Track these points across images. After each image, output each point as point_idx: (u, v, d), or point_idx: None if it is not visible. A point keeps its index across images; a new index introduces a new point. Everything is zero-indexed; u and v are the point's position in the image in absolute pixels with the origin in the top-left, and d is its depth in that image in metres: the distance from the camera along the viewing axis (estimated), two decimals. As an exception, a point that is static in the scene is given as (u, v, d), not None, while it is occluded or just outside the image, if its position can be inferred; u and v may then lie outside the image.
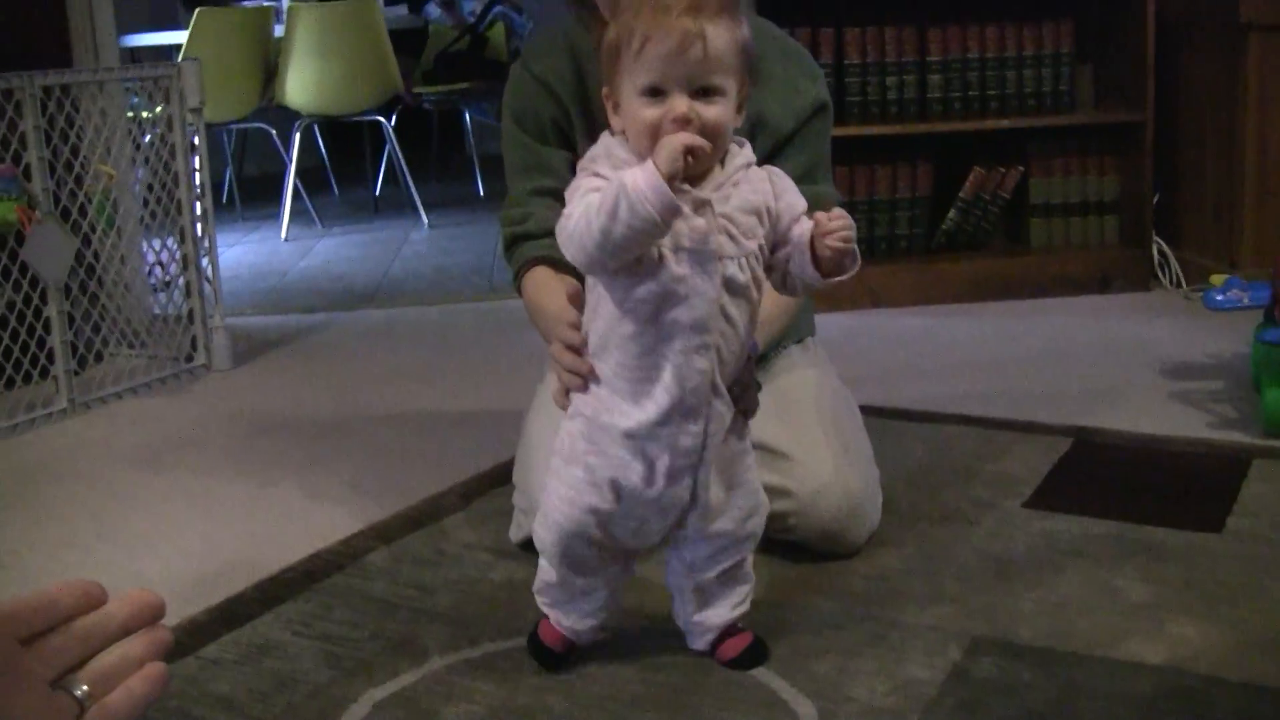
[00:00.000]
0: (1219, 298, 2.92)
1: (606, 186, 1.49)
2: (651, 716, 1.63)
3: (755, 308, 1.64)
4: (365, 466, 2.71)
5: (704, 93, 1.53)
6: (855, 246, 1.59)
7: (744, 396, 1.67)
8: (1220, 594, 1.91)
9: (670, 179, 1.46)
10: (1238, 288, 2.93)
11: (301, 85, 5.82)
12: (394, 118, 6.31)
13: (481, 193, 6.80)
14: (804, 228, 1.62)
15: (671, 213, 1.47)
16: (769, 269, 1.66)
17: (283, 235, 5.84)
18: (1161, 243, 4.12)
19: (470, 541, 2.23)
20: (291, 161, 5.90)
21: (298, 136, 5.88)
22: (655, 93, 1.53)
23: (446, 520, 2.33)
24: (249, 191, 6.85)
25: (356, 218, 6.40)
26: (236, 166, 6.85)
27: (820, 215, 1.59)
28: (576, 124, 2.19)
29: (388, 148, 6.31)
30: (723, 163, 1.60)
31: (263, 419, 3.13)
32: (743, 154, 1.63)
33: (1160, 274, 4.10)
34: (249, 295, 4.65)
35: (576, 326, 1.99)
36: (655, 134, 1.52)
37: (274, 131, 6.13)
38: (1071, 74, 4.13)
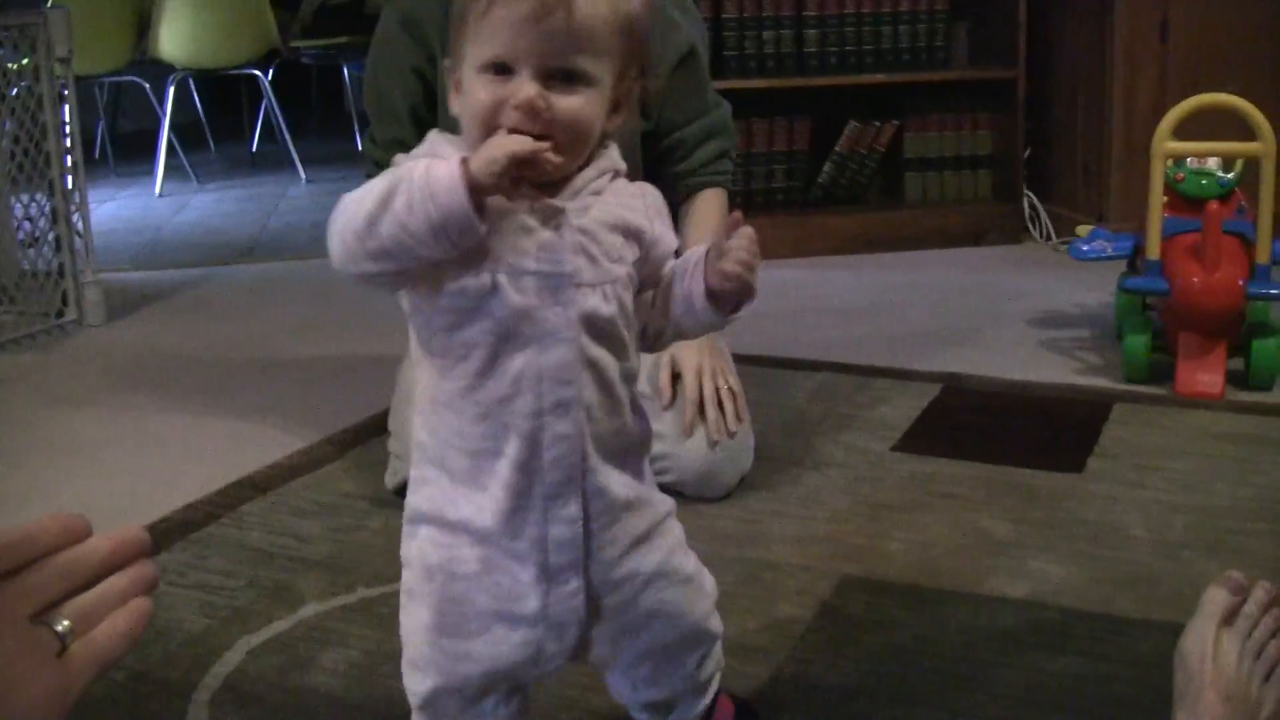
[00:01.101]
0: (1084, 248, 2.98)
1: (400, 169, 1.18)
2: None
3: (627, 351, 1.27)
4: (242, 419, 2.69)
5: (565, 78, 1.19)
6: (754, 275, 1.28)
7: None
8: (1080, 532, 1.97)
9: (479, 188, 1.13)
10: (1103, 239, 2.99)
11: (175, 37, 5.72)
12: (271, 72, 6.22)
13: (360, 147, 6.71)
14: (686, 261, 1.31)
15: (461, 230, 1.13)
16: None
17: (157, 190, 5.75)
18: (1033, 197, 4.21)
19: (348, 490, 2.23)
20: (165, 116, 5.80)
21: (171, 90, 5.77)
22: (501, 69, 1.19)
23: (324, 469, 2.33)
24: (124, 147, 6.71)
25: (233, 174, 6.31)
26: (109, 121, 6.71)
27: (717, 230, 1.29)
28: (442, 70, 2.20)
29: (265, 103, 6.23)
30: (583, 166, 1.26)
31: (137, 373, 3.09)
32: (608, 158, 1.28)
33: (1031, 227, 4.19)
34: (123, 251, 4.57)
35: None
36: (491, 122, 1.19)
37: (148, 85, 6.02)
38: (947, 31, 4.19)
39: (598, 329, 1.23)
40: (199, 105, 6.83)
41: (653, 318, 1.33)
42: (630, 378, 1.29)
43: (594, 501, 1.25)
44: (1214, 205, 2.62)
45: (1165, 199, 2.73)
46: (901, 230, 4.12)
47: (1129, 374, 2.68)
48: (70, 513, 0.85)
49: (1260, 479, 2.16)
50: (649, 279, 1.31)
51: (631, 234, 1.28)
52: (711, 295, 1.28)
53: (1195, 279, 2.58)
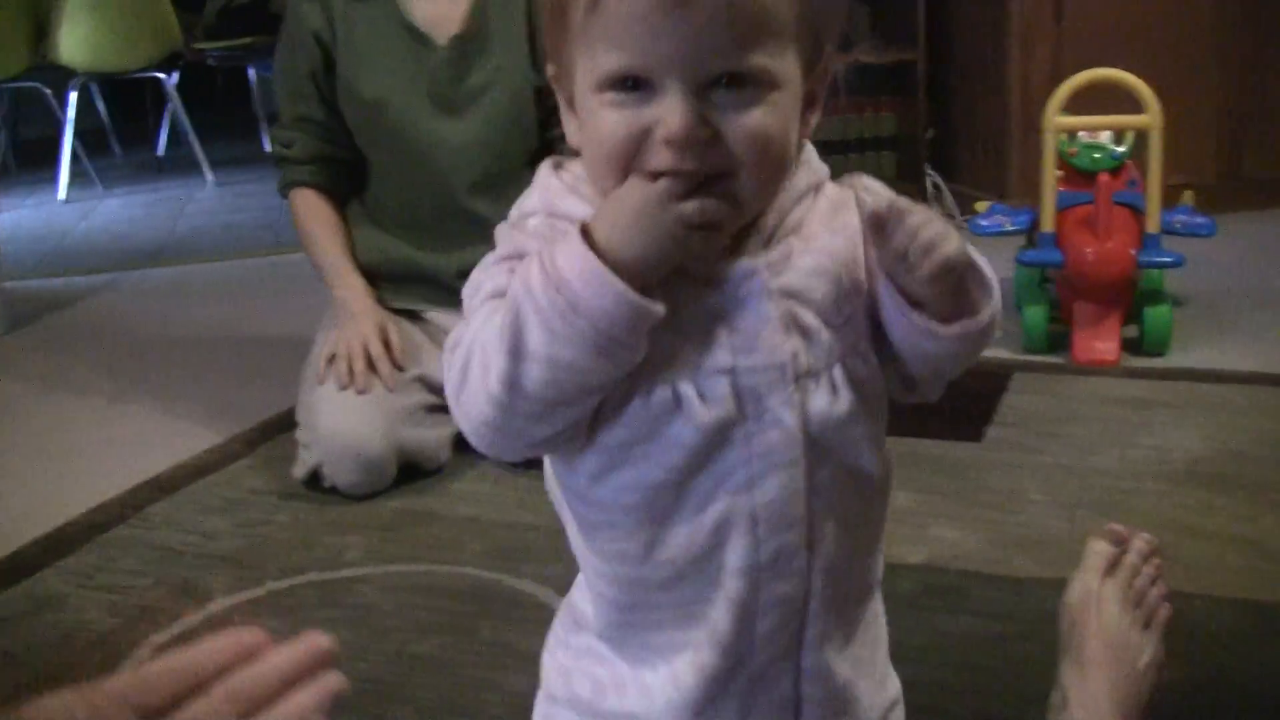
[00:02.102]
0: (983, 224, 3.04)
1: (511, 288, 0.85)
2: (437, 642, 1.67)
3: (876, 451, 0.95)
4: (151, 421, 2.68)
5: (734, 84, 0.84)
6: (961, 248, 0.89)
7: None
8: (979, 498, 2.01)
9: (642, 272, 0.83)
10: (1001, 213, 3.05)
11: (74, 41, 5.64)
12: (176, 75, 6.16)
13: (268, 149, 6.67)
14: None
15: (633, 328, 0.83)
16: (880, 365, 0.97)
17: (61, 196, 5.68)
18: (936, 176, 4.27)
19: (256, 486, 2.23)
20: (68, 121, 5.72)
21: (73, 96, 5.70)
22: (633, 84, 0.85)
23: (232, 467, 2.32)
24: (27, 155, 6.62)
25: (139, 178, 6.24)
26: (10, 128, 6.61)
27: (866, 213, 0.90)
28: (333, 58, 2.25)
29: (170, 106, 6.17)
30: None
31: (44, 379, 3.07)
32: (805, 170, 0.94)
33: (935, 205, 4.25)
34: (27, 259, 4.52)
35: (384, 334, 2.17)
36: (627, 164, 0.86)
37: (49, 91, 5.94)
38: (849, 15, 4.23)
39: (831, 435, 0.91)
40: (103, 109, 6.75)
41: (891, 353, 0.96)
42: (884, 491, 0.98)
43: (810, 686, 0.96)
44: (1105, 177, 2.67)
45: (1060, 173, 2.79)
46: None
47: (1028, 344, 2.73)
48: (245, 629, 0.79)
49: (1152, 440, 2.21)
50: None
51: (854, 270, 0.93)
52: (921, 306, 0.91)
53: (1088, 250, 2.63)
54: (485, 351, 0.85)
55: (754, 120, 0.84)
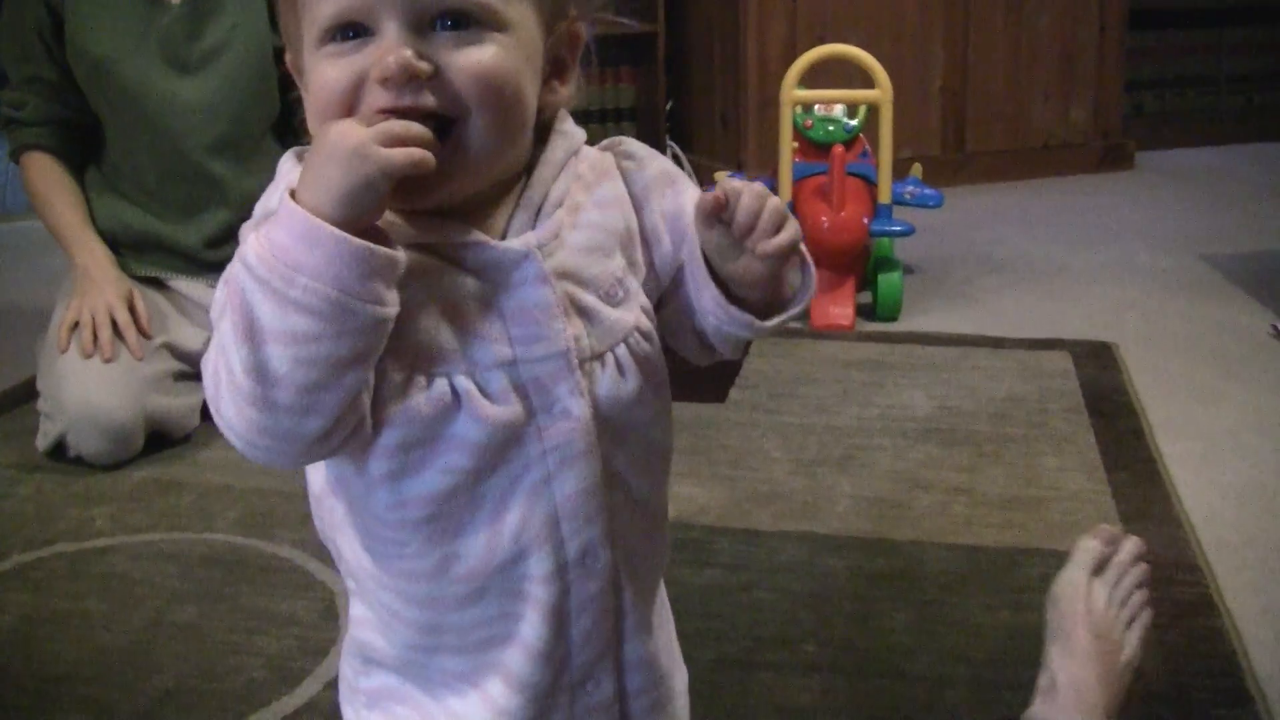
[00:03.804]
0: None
1: (231, 271, 0.79)
2: (192, 609, 1.66)
3: (668, 428, 0.94)
4: (-127, 393, 2.56)
5: (454, 21, 0.81)
6: (800, 245, 0.91)
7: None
8: (722, 457, 2.09)
9: (356, 217, 0.76)
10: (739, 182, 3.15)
11: None
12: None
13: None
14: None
15: (363, 276, 0.75)
16: (670, 318, 0.96)
17: None
18: (676, 147, 4.36)
19: (-6, 458, 2.17)
20: None
21: None
22: (350, 32, 0.82)
23: (-33, 440, 2.25)
24: None
25: None
26: None
27: (708, 198, 0.87)
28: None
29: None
30: (530, 166, 0.89)
31: None
32: (564, 139, 0.91)
33: (676, 177, 4.34)
34: None
35: (130, 302, 2.13)
36: (349, 112, 0.81)
37: None
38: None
39: (622, 417, 0.88)
40: None
41: (693, 326, 0.95)
42: (667, 467, 0.96)
43: (634, 679, 0.94)
44: (839, 149, 2.78)
45: (796, 145, 2.89)
46: (552, 183, 4.20)
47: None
48: None
49: (884, 399, 2.33)
50: (671, 279, 0.94)
51: (628, 243, 0.91)
52: (740, 301, 0.90)
53: (824, 219, 2.74)
54: (225, 351, 0.77)
55: (478, 57, 0.80)
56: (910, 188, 3.11)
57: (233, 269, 0.77)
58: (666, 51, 4.26)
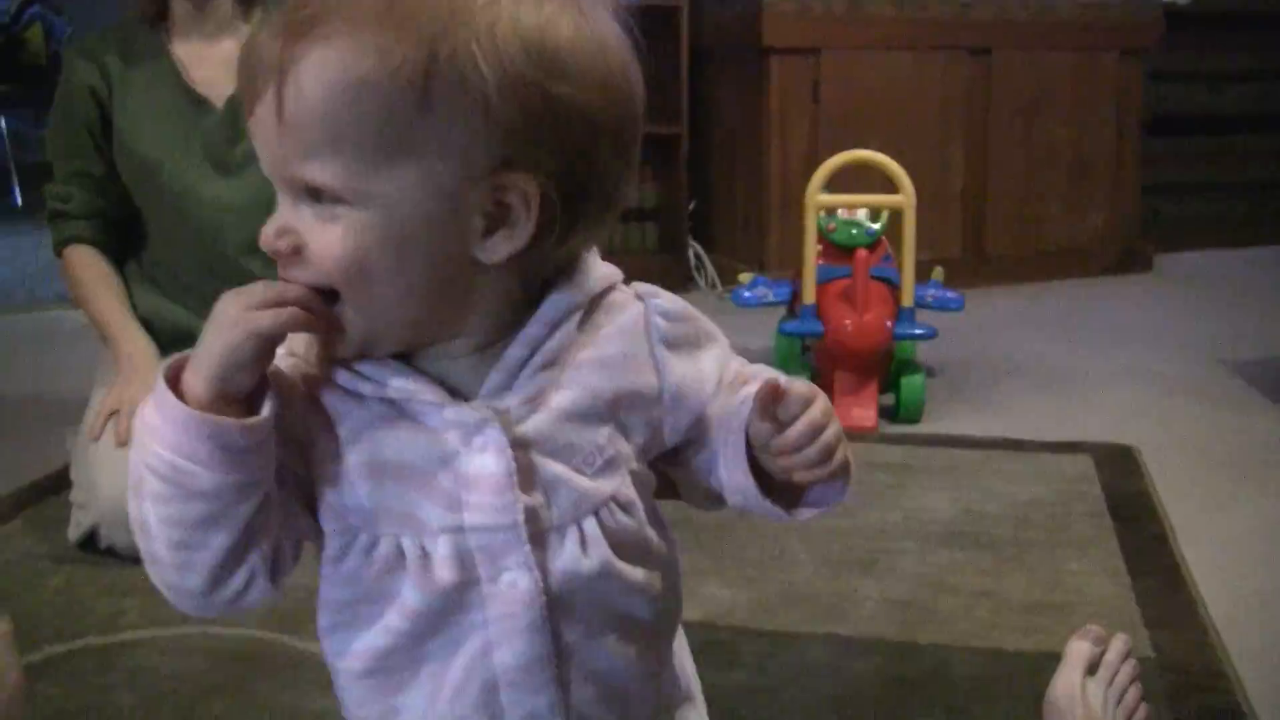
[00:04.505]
0: (746, 295, 3.16)
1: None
2: (221, 704, 1.67)
3: (655, 589, 0.90)
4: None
5: (310, 194, 0.80)
6: (845, 454, 0.89)
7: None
8: (747, 558, 2.10)
9: (230, 379, 0.79)
10: (763, 285, 3.18)
11: None
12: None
13: (19, 203, 6.47)
14: (738, 414, 0.89)
15: (207, 442, 0.78)
16: (677, 469, 0.95)
17: None
18: (698, 247, 4.41)
19: (26, 549, 2.18)
20: None
21: None
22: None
23: (1, 529, 2.27)
24: None
25: (-120, 230, 5.99)
26: None
27: (766, 392, 0.86)
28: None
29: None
30: (524, 319, 0.85)
31: None
32: (575, 287, 0.87)
33: (697, 276, 4.39)
34: None
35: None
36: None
37: None
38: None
39: (579, 593, 0.86)
40: None
41: (712, 482, 0.94)
42: (666, 617, 0.93)
43: None
44: (862, 253, 2.82)
45: (819, 248, 2.93)
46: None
47: (790, 412, 2.85)
48: None
49: (908, 502, 2.34)
50: (693, 438, 0.93)
51: (633, 405, 0.88)
52: (774, 489, 0.90)
53: (847, 321, 2.77)
54: (133, 501, 0.82)
55: (329, 236, 0.79)
56: (932, 291, 3.14)
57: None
58: (689, 152, 4.32)
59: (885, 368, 2.90)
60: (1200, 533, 2.19)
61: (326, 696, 1.67)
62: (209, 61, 2.27)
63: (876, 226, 2.98)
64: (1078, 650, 1.40)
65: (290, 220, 0.81)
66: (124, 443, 2.11)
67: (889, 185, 2.87)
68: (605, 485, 0.86)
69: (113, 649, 1.82)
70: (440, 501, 0.83)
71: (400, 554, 0.83)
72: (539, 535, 0.84)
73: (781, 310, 3.20)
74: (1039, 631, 1.83)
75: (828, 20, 4.09)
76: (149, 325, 2.29)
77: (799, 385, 0.87)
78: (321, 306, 0.81)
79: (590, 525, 0.85)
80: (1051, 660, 1.72)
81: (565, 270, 0.87)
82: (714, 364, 0.93)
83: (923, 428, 2.82)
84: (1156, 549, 2.10)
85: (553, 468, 0.84)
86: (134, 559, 2.05)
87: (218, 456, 0.78)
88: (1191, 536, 2.17)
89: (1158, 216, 4.90)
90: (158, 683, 1.73)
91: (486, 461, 0.82)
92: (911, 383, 2.83)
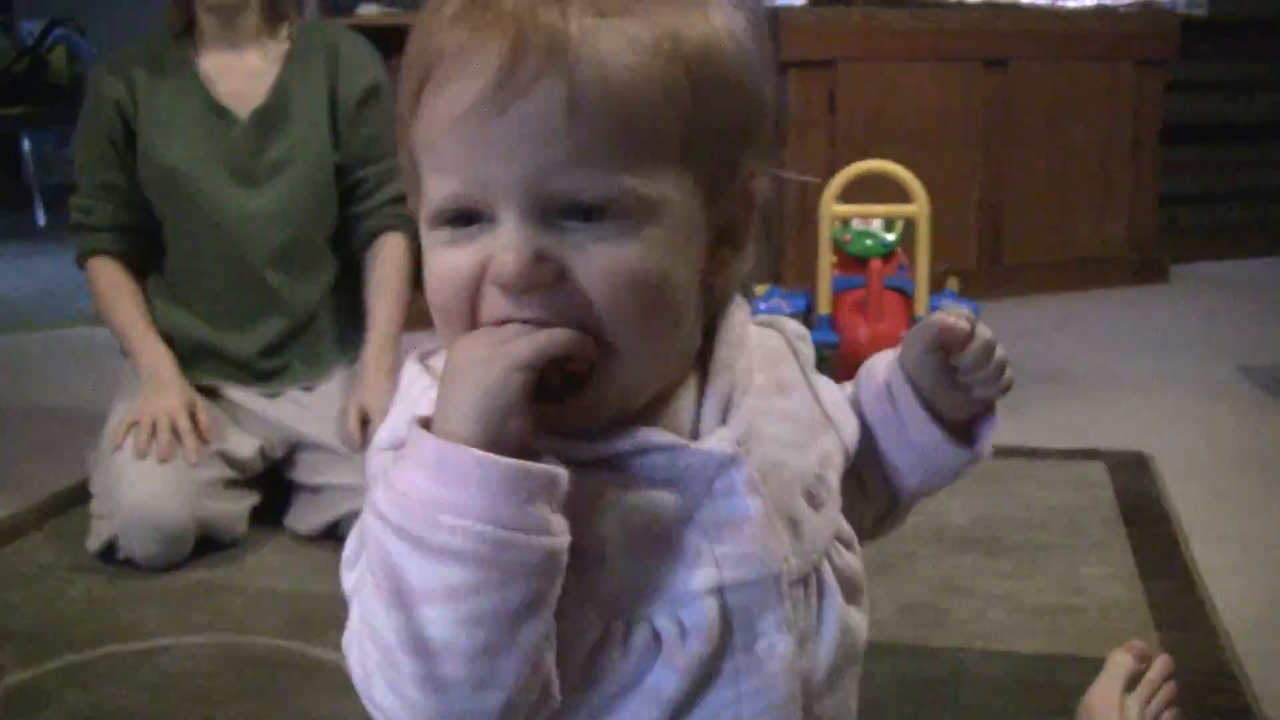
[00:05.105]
0: (761, 306, 3.17)
1: (365, 526, 0.68)
2: (241, 710, 1.69)
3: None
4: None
5: (584, 210, 0.68)
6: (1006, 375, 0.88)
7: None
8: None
9: (497, 433, 0.65)
10: (778, 296, 3.19)
11: None
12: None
13: (41, 222, 6.51)
14: (877, 394, 0.89)
15: (519, 502, 0.63)
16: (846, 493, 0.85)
17: None
18: (716, 260, 4.42)
19: (48, 561, 2.21)
20: None
21: None
22: (466, 217, 0.70)
23: (22, 541, 2.29)
24: None
25: (-94, 249, 6.04)
26: None
27: (949, 324, 0.86)
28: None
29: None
30: (705, 347, 0.77)
31: None
32: (740, 305, 0.80)
33: (715, 289, 4.40)
34: None
35: (192, 409, 2.17)
36: (468, 321, 0.71)
37: None
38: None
39: (828, 657, 0.78)
40: None
41: (870, 501, 0.91)
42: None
43: None
44: (877, 263, 2.83)
45: (834, 259, 2.94)
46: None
47: (806, 421, 2.87)
48: None
49: (923, 507, 2.28)
50: (859, 449, 0.87)
51: (812, 428, 0.81)
52: (951, 425, 0.89)
53: (861, 332, 2.79)
54: (371, 623, 0.65)
55: (613, 256, 0.67)
56: (946, 301, 3.15)
57: (366, 521, 0.67)
58: (706, 165, 4.33)
59: (901, 377, 2.91)
60: (1217, 537, 2.20)
61: (342, 700, 1.70)
62: (235, 74, 2.30)
63: (891, 237, 2.99)
64: (1120, 663, 1.41)
65: (544, 244, 0.67)
66: (144, 454, 2.13)
67: (905, 196, 2.88)
68: (830, 521, 0.78)
69: (133, 656, 1.84)
70: (691, 561, 0.71)
71: (657, 638, 0.70)
72: (792, 587, 0.74)
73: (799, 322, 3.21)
74: (1053, 634, 1.84)
75: (844, 32, 4.10)
76: (169, 338, 2.31)
77: (963, 311, 0.87)
78: (580, 341, 0.68)
79: (826, 571, 0.77)
80: (1066, 662, 1.74)
81: (726, 288, 0.79)
82: (828, 379, 0.88)
83: (939, 436, 2.81)
84: (1169, 553, 2.11)
85: (790, 504, 0.75)
86: (153, 570, 2.09)
87: (545, 517, 0.64)
88: (1208, 541, 2.17)
89: (1175, 226, 4.90)
90: (178, 689, 1.75)
91: (740, 504, 0.72)
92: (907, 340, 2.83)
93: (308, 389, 2.33)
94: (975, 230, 4.32)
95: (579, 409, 0.70)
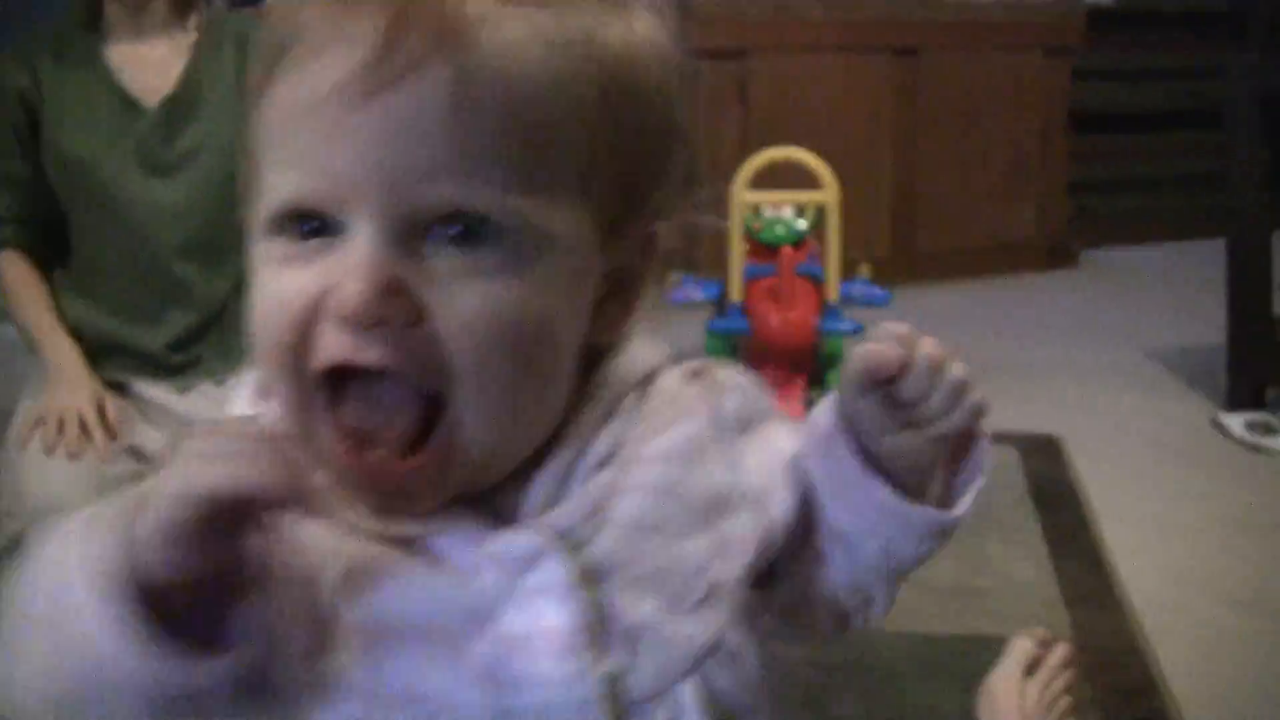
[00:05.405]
0: (674, 294, 3.19)
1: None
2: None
3: None
4: None
5: (461, 230, 0.55)
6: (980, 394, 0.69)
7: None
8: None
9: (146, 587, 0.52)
10: (691, 284, 3.21)
11: None
12: None
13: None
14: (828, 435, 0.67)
15: (152, 669, 0.51)
16: (784, 587, 0.70)
17: None
18: (632, 251, 4.43)
19: (-48, 561, 2.17)
20: None
21: None
22: (311, 227, 0.57)
23: (-75, 542, 2.26)
24: None
25: None
26: None
27: (874, 356, 0.66)
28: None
29: None
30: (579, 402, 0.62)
31: None
32: (622, 367, 0.65)
33: (631, 280, 4.41)
34: None
35: (100, 404, 2.10)
36: (298, 359, 0.57)
37: None
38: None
39: None
40: None
41: (831, 573, 0.70)
42: None
43: None
44: (788, 251, 2.85)
45: (746, 246, 2.95)
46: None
47: (720, 407, 2.87)
48: None
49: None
50: (795, 533, 0.67)
51: (715, 508, 0.62)
52: (913, 479, 0.68)
53: (773, 318, 2.80)
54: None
55: (486, 297, 0.54)
56: (858, 287, 3.17)
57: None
58: (620, 157, 4.34)
59: (812, 363, 2.93)
60: (1124, 517, 2.24)
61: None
62: (143, 64, 2.26)
63: (802, 225, 3.01)
64: (1022, 648, 1.43)
65: (403, 272, 0.54)
66: (51, 451, 2.10)
67: (815, 183, 2.90)
68: (705, 628, 0.59)
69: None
70: (476, 675, 0.56)
71: None
72: (618, 716, 0.57)
73: (710, 309, 3.22)
74: (964, 614, 1.86)
75: (755, 23, 4.12)
76: (77, 334, 2.27)
77: (898, 329, 0.66)
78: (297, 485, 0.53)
79: (688, 697, 0.60)
80: (976, 643, 1.76)
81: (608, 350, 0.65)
82: (786, 434, 0.70)
83: (852, 422, 2.84)
84: (1078, 533, 2.14)
85: (636, 609, 0.58)
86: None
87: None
88: (1116, 521, 2.21)
89: (1084, 212, 4.97)
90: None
91: (544, 611, 0.57)
92: (838, 377, 2.85)
93: (220, 382, 2.30)
94: (888, 218, 4.36)
95: (412, 486, 0.56)
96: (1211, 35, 4.94)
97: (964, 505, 0.69)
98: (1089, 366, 3.26)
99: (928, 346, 0.66)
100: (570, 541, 0.58)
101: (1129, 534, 2.15)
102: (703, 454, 0.63)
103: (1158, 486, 2.40)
